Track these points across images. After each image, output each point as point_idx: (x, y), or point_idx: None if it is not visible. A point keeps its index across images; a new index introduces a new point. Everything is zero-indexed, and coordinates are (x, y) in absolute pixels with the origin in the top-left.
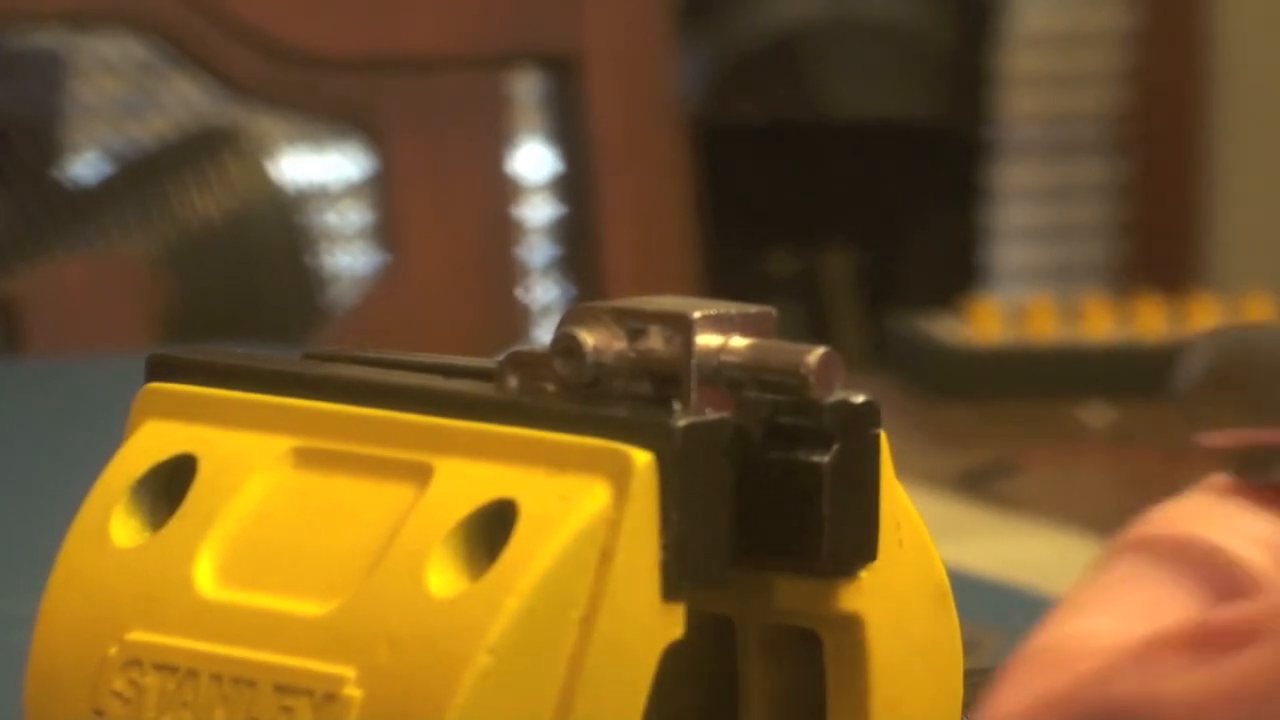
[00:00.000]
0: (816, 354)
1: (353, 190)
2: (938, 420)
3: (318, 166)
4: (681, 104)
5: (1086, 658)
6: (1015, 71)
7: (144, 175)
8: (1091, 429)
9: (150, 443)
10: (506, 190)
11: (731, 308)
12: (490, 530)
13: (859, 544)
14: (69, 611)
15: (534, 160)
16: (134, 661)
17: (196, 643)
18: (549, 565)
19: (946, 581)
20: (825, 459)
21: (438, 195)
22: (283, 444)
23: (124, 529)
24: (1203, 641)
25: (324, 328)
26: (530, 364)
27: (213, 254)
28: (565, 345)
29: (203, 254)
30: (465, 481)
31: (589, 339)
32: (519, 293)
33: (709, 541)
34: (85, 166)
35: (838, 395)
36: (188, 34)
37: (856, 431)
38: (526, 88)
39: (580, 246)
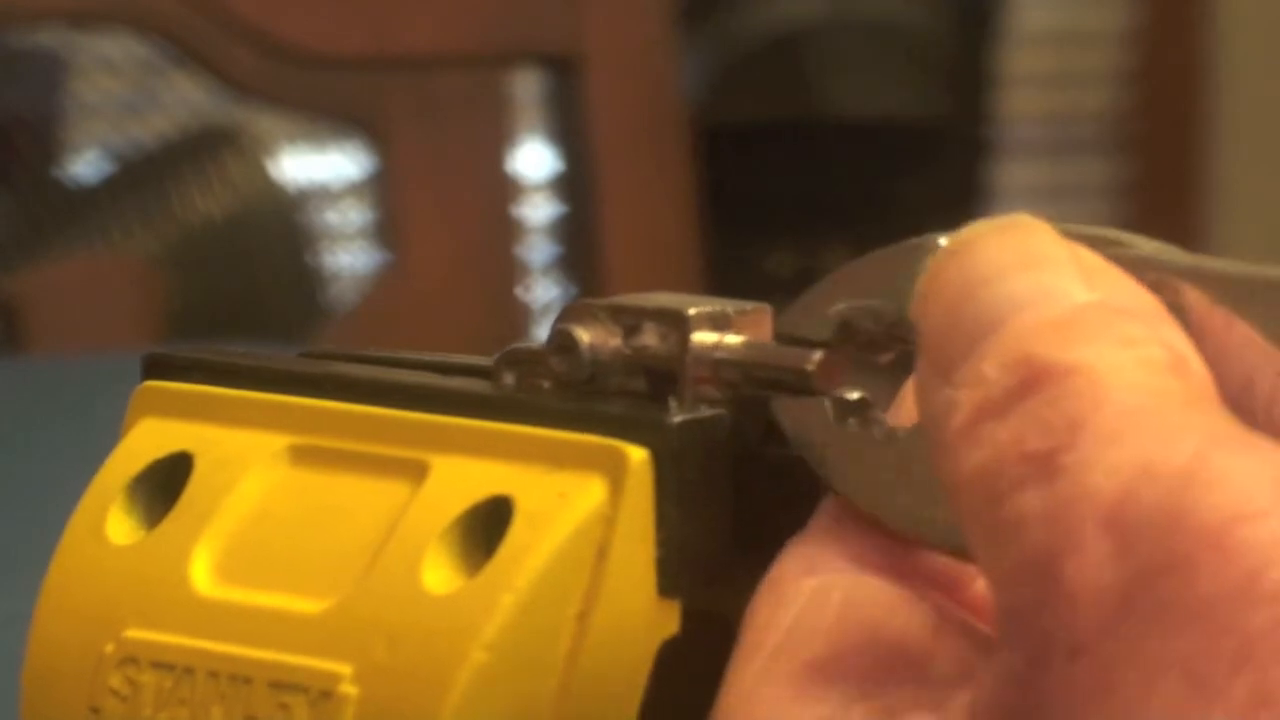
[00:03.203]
0: (820, 350)
1: (353, 189)
2: None
3: (319, 165)
4: (681, 104)
5: None
6: (1015, 71)
7: (145, 174)
8: None
9: (146, 440)
10: (507, 189)
11: (727, 304)
12: (486, 527)
13: None
14: (65, 609)
15: (534, 160)
16: (130, 659)
17: (193, 640)
18: (545, 562)
19: None
20: None
21: (438, 194)
22: (279, 441)
23: (120, 527)
24: None
25: (324, 327)
26: (526, 361)
27: (213, 253)
28: (561, 342)
29: (203, 253)
30: (461, 478)
31: (585, 336)
32: (519, 292)
33: (705, 538)
34: (86, 166)
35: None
36: (189, 33)
37: None
38: (526, 88)
39: (580, 246)
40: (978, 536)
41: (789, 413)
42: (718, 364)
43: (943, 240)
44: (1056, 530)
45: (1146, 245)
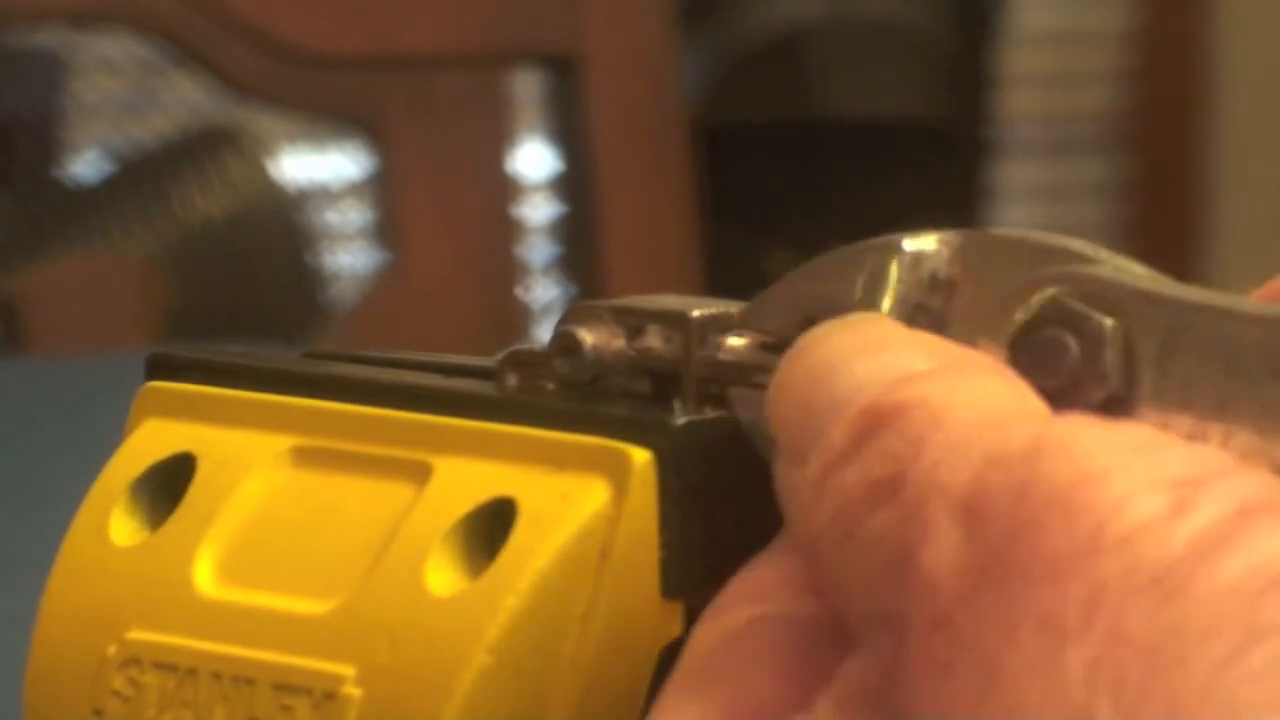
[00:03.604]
0: None
1: (353, 189)
2: None
3: (319, 165)
4: (681, 104)
5: None
6: (1015, 71)
7: (145, 174)
8: None
9: (149, 441)
10: (507, 189)
11: (730, 306)
12: (489, 529)
13: None
14: (68, 610)
15: (534, 160)
16: (133, 660)
17: (196, 641)
18: (548, 563)
19: None
20: None
21: (438, 194)
22: (282, 443)
23: (123, 528)
24: None
25: (324, 327)
26: (529, 362)
27: (213, 253)
28: (564, 343)
29: (203, 253)
30: (464, 480)
31: (588, 337)
32: (519, 292)
33: (708, 539)
34: (86, 166)
35: None
36: (189, 33)
37: None
38: (526, 88)
39: (580, 246)
40: (833, 579)
41: (746, 406)
42: (721, 366)
43: (906, 243)
44: (909, 528)
45: (1111, 261)
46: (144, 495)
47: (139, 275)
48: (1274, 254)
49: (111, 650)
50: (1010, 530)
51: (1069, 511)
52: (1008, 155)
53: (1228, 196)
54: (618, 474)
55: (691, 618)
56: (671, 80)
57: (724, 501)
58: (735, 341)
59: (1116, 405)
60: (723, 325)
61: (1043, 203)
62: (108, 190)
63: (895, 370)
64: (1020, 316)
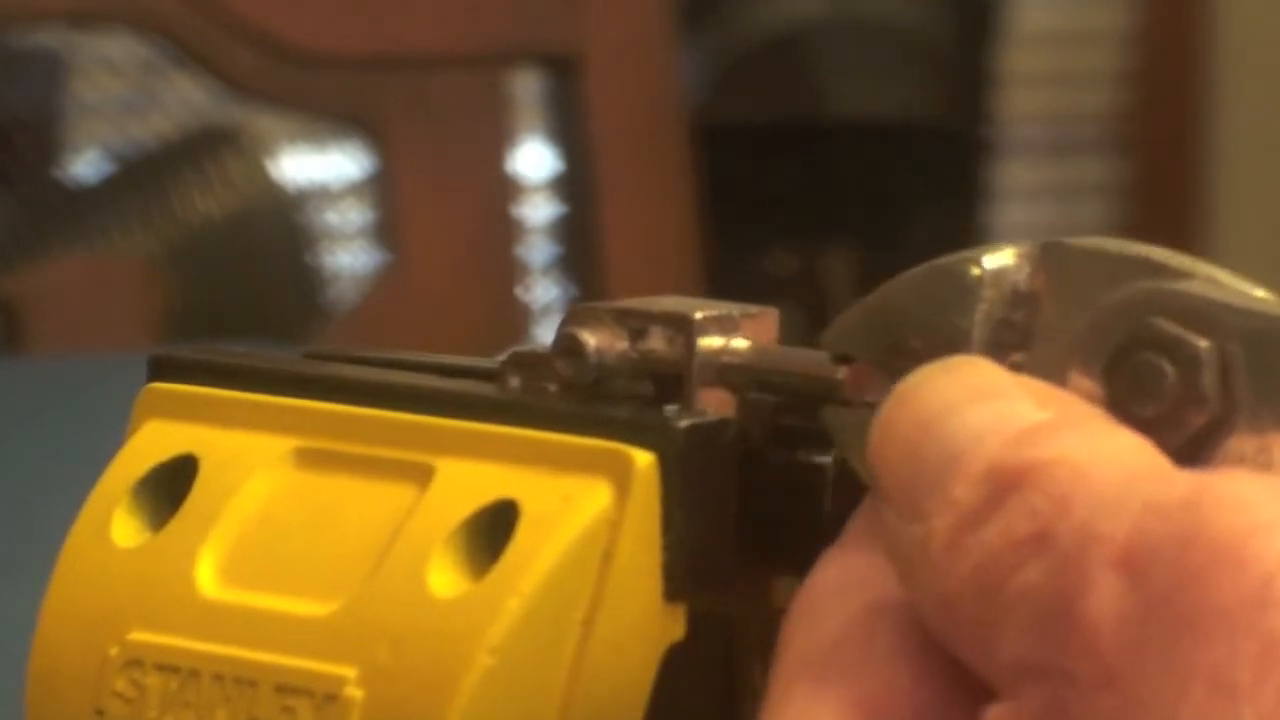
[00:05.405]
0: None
1: (353, 189)
2: None
3: (318, 166)
4: (681, 104)
5: None
6: (1015, 71)
7: (145, 174)
8: None
9: (151, 443)
10: (507, 189)
11: (734, 308)
12: (492, 530)
13: None
14: (70, 612)
15: (534, 160)
16: (135, 662)
17: (198, 643)
18: (551, 566)
19: None
20: (828, 459)
21: (438, 194)
22: (284, 444)
23: (125, 529)
24: None
25: (324, 327)
26: (532, 364)
27: (213, 253)
28: (567, 345)
29: (204, 253)
30: (467, 482)
31: (591, 339)
32: (519, 292)
33: (711, 542)
34: (86, 166)
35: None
36: (189, 33)
37: None
38: (526, 88)
39: (580, 246)
40: (972, 637)
41: (836, 421)
42: (724, 368)
43: (985, 259)
44: (1066, 581)
45: (1194, 269)
46: (146, 496)
47: (139, 275)
48: (1274, 254)
49: (113, 651)
50: (1176, 580)
51: (1238, 563)
52: (1008, 155)
53: (1228, 197)
54: (620, 476)
55: (694, 620)
56: (671, 80)
57: (727, 503)
58: (739, 343)
59: (1216, 428)
60: (726, 327)
61: (1043, 203)
62: (108, 190)
63: (1011, 422)
64: (1112, 341)
